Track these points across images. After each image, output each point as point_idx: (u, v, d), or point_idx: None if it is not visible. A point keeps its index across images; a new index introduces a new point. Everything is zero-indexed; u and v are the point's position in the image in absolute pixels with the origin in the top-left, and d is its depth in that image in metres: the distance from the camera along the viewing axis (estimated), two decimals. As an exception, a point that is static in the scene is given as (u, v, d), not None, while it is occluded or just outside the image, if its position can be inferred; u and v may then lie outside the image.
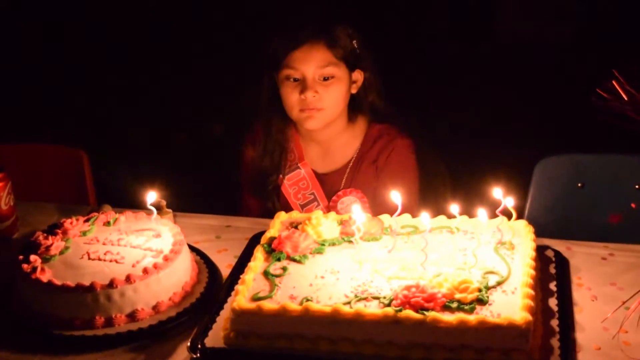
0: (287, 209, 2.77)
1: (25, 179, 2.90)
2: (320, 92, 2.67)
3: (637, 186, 2.94)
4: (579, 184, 3.04)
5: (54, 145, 3.49)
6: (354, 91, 2.77)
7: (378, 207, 2.57)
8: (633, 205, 2.68)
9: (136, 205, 2.48)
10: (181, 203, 2.64)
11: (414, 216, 2.27)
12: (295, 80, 2.68)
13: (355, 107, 2.81)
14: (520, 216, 2.23)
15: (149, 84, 4.58)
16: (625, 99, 1.84)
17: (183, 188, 2.97)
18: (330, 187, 2.82)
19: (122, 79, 4.62)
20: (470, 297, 1.86)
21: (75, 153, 3.39)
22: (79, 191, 3.35)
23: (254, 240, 2.33)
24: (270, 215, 2.41)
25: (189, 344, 1.89)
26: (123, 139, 4.42)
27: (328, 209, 2.77)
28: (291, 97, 2.69)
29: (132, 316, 2.01)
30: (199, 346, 1.88)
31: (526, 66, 4.26)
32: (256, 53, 2.80)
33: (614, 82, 1.81)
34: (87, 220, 2.31)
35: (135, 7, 4.61)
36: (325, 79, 2.67)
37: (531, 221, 2.24)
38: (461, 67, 4.33)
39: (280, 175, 2.83)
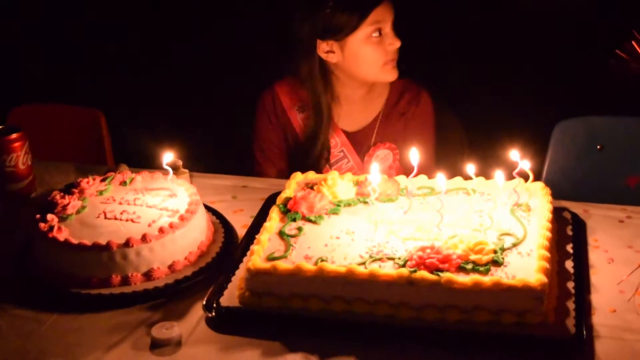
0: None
1: (42, 138, 2.92)
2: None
3: None
4: (598, 146, 3.02)
5: (72, 105, 3.50)
6: None
7: (407, 159, 2.58)
8: None
9: (153, 165, 2.48)
10: (198, 163, 2.64)
11: (430, 175, 2.26)
12: (376, 35, 2.69)
13: None
14: (537, 178, 2.22)
15: (169, 43, 4.55)
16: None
17: (200, 148, 2.96)
18: (361, 144, 2.85)
19: (142, 37, 4.59)
20: (486, 258, 1.86)
21: (92, 113, 3.40)
22: (96, 151, 3.36)
23: (270, 201, 2.33)
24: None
25: (204, 302, 1.91)
26: (141, 99, 4.40)
27: (362, 165, 2.82)
28: (377, 52, 2.70)
29: (148, 275, 2.02)
30: (214, 305, 1.89)
31: (546, 26, 4.20)
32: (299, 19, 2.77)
33: (633, 43, 1.79)
34: (103, 180, 2.31)
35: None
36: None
37: (549, 183, 2.22)
38: (480, 26, 4.27)
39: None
